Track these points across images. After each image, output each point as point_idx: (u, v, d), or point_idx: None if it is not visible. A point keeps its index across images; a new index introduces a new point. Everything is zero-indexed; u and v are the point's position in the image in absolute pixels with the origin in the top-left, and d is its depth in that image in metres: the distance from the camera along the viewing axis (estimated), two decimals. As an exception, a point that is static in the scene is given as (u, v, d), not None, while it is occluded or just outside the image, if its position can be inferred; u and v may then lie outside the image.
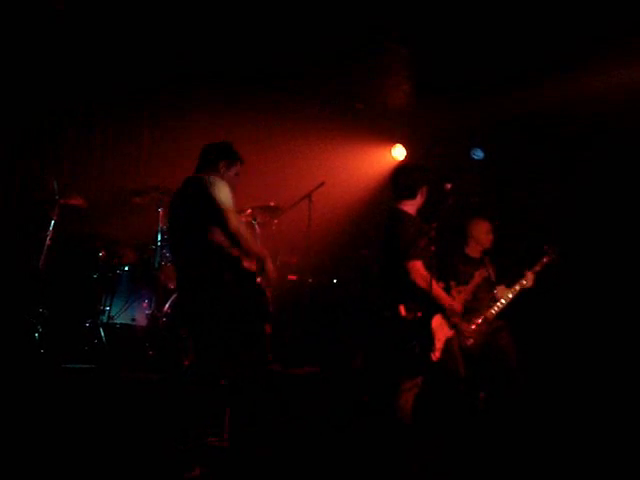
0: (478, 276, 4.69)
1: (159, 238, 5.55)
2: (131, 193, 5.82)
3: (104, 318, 5.29)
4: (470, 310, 5.05)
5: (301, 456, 4.05)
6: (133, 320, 5.37)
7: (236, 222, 3.70)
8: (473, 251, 5.29)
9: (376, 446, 3.98)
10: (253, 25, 5.60)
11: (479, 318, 5.02)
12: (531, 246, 5.46)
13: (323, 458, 4.07)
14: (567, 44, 5.43)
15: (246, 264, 3.79)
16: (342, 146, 7.29)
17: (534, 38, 5.41)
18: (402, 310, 3.89)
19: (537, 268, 5.16)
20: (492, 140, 6.19)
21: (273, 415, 4.39)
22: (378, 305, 4.14)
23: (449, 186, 4.05)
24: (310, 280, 6.18)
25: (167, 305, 5.39)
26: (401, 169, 4.40)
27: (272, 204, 5.96)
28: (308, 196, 5.99)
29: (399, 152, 7.26)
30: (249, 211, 5.69)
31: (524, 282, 5.11)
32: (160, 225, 5.59)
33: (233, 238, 3.69)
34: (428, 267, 3.93)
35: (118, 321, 5.35)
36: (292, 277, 6.29)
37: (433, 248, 4.00)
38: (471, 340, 4.94)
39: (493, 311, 5.08)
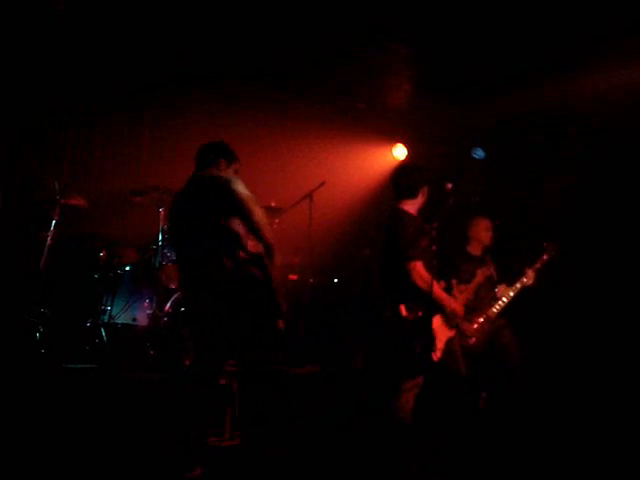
0: (480, 274, 4.70)
1: (160, 238, 5.55)
2: (132, 193, 5.82)
3: (105, 318, 5.29)
4: (471, 309, 5.06)
5: (301, 456, 4.05)
6: (134, 320, 5.37)
7: (261, 212, 3.72)
8: (475, 249, 5.31)
9: (376, 446, 3.98)
10: (253, 25, 5.59)
11: (480, 317, 5.03)
12: (531, 245, 5.46)
13: (323, 458, 4.07)
14: (567, 44, 5.42)
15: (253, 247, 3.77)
16: (343, 146, 7.31)
17: (534, 38, 5.41)
18: (403, 310, 3.89)
19: (537, 265, 5.16)
20: (492, 140, 6.18)
21: (274, 414, 4.39)
22: (379, 305, 4.14)
23: (450, 186, 4.05)
24: (311, 280, 6.19)
25: (168, 305, 5.39)
26: (402, 169, 4.40)
27: (273, 204, 5.98)
28: (309, 196, 6.00)
29: (400, 152, 7.27)
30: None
31: (525, 280, 5.12)
32: (161, 225, 5.59)
33: (256, 228, 3.69)
34: (429, 267, 3.93)
35: (119, 321, 5.34)
36: (293, 277, 6.30)
37: (434, 248, 4.00)
38: (473, 339, 4.95)
39: (495, 310, 5.09)
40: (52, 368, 4.72)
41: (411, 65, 6.30)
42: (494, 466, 4.03)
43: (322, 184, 5.99)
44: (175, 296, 5.44)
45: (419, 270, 3.87)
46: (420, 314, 3.89)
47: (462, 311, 4.17)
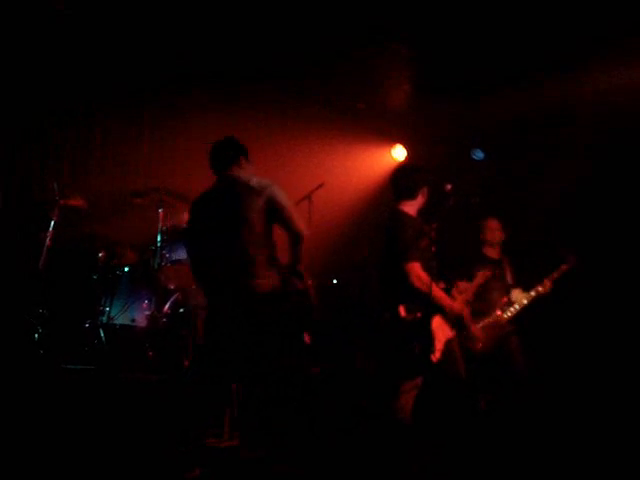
0: (481, 276, 4.62)
1: (159, 239, 5.55)
2: (131, 194, 5.82)
3: (104, 319, 5.28)
4: (480, 313, 5.04)
5: (301, 456, 4.05)
6: (133, 321, 5.36)
7: (302, 222, 3.63)
8: (490, 252, 5.27)
9: (376, 447, 3.98)
10: (253, 25, 5.59)
11: (490, 322, 4.98)
12: (532, 247, 5.45)
13: (323, 458, 4.07)
14: (567, 44, 5.42)
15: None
16: (342, 146, 7.30)
17: (534, 38, 5.40)
18: (402, 311, 3.89)
19: (555, 275, 5.06)
20: (492, 141, 6.18)
21: (273, 415, 4.38)
22: (378, 306, 4.13)
23: (449, 187, 4.05)
24: (310, 281, 6.17)
25: (167, 306, 5.40)
26: (401, 170, 4.40)
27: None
28: (308, 197, 5.98)
29: (399, 152, 7.26)
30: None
31: (540, 289, 5.04)
32: (160, 226, 5.58)
33: (296, 238, 3.58)
34: (428, 268, 3.93)
35: (118, 322, 5.33)
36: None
37: (434, 249, 4.00)
38: (480, 344, 4.91)
39: (506, 315, 5.02)
40: (51, 369, 4.72)
41: (411, 65, 6.30)
42: (494, 466, 4.02)
43: (321, 185, 5.99)
44: (174, 297, 5.44)
45: (417, 271, 3.86)
46: (419, 315, 3.88)
47: (462, 311, 4.16)
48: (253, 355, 3.57)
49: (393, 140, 7.34)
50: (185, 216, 5.85)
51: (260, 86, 6.77)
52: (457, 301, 4.15)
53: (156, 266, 5.48)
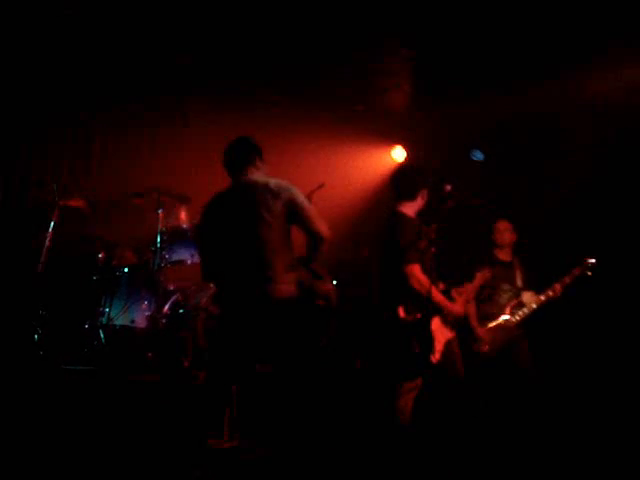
0: (480, 277, 4.60)
1: (158, 240, 5.55)
2: (131, 194, 5.82)
3: (103, 320, 5.28)
4: (488, 315, 5.02)
5: (301, 457, 4.04)
6: (132, 322, 5.35)
7: (324, 224, 3.54)
8: (502, 254, 5.23)
9: (375, 448, 3.98)
10: (253, 26, 5.59)
11: (497, 324, 4.97)
12: (539, 248, 5.41)
13: (322, 459, 4.07)
14: (567, 44, 5.42)
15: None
16: (342, 147, 7.30)
17: (534, 38, 5.41)
18: (401, 312, 3.89)
19: (567, 280, 4.95)
20: (491, 142, 6.17)
21: (273, 415, 4.38)
22: (378, 307, 4.14)
23: (449, 188, 4.06)
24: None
25: (167, 307, 5.39)
26: (401, 171, 4.41)
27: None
28: (308, 197, 5.95)
29: (399, 154, 7.27)
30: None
31: (550, 293, 4.94)
32: (160, 226, 5.59)
33: (318, 241, 3.51)
34: (428, 269, 3.93)
35: (117, 323, 5.32)
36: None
37: (433, 250, 4.00)
38: (486, 347, 4.90)
39: (514, 319, 4.98)
40: (50, 370, 4.71)
41: (410, 66, 6.30)
42: (494, 467, 4.02)
43: (321, 186, 5.97)
44: (174, 298, 5.44)
45: (416, 273, 3.86)
46: (419, 316, 3.88)
47: (461, 313, 4.16)
48: (267, 360, 3.53)
49: (393, 141, 7.35)
50: (184, 216, 5.88)
51: (260, 88, 6.77)
52: (457, 303, 4.16)
53: (156, 267, 5.48)
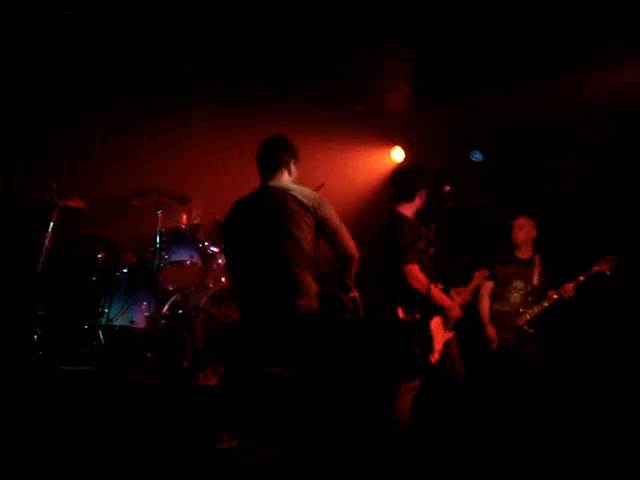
0: (478, 276, 4.58)
1: (158, 240, 5.55)
2: (130, 195, 5.82)
3: (103, 320, 5.27)
4: (499, 313, 5.01)
5: (300, 457, 4.04)
6: (132, 322, 5.35)
7: (352, 243, 3.45)
8: (520, 252, 5.19)
9: (375, 448, 3.98)
10: (253, 27, 5.59)
11: (507, 322, 4.96)
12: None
13: (322, 459, 4.06)
14: (567, 44, 5.42)
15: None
16: (341, 148, 7.30)
17: (534, 38, 5.41)
18: (400, 312, 3.89)
19: (581, 279, 4.83)
20: (491, 142, 6.17)
21: (273, 416, 4.38)
22: (377, 307, 4.14)
23: (448, 188, 4.06)
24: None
25: (166, 307, 5.40)
26: (400, 172, 4.42)
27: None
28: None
29: (398, 154, 7.27)
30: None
31: (563, 292, 4.83)
32: (159, 227, 5.59)
33: (348, 261, 3.45)
34: (427, 269, 3.93)
35: (117, 323, 5.31)
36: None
37: (432, 250, 4.00)
38: (495, 345, 4.90)
39: (524, 317, 4.94)
40: (50, 370, 4.71)
41: (410, 67, 6.30)
42: (493, 467, 4.02)
43: (321, 186, 5.97)
44: (173, 298, 5.45)
45: (415, 273, 3.87)
46: (418, 316, 3.89)
47: (460, 313, 4.16)
48: (289, 372, 3.53)
49: (392, 142, 7.35)
50: (184, 218, 5.89)
51: (260, 89, 6.78)
52: (455, 302, 4.16)
53: (155, 267, 5.48)
